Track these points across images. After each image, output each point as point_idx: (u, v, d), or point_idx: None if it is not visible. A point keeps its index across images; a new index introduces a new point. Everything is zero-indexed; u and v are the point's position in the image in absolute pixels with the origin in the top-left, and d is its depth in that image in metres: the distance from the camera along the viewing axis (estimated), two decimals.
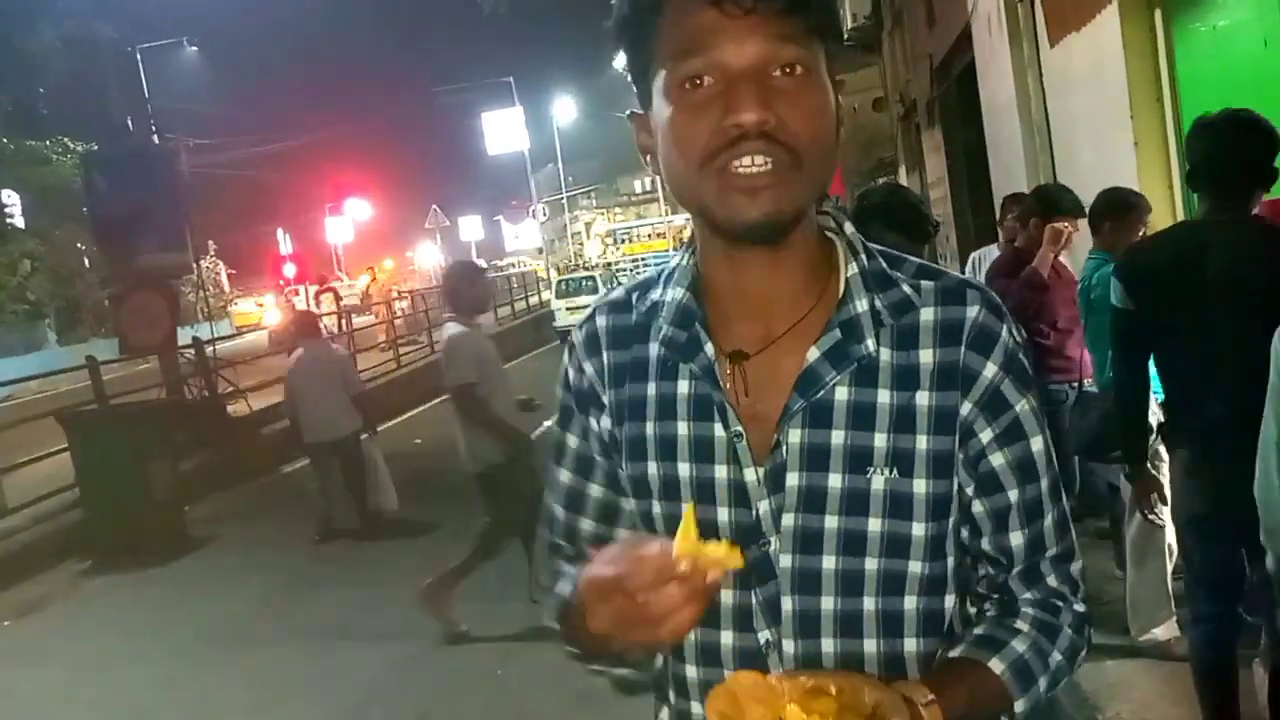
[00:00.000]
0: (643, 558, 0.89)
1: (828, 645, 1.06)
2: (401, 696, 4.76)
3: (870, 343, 1.04)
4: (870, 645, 1.06)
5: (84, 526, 8.05)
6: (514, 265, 42.78)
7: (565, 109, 53.46)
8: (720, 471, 1.07)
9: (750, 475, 1.06)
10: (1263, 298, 2.57)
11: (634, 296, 1.17)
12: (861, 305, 1.05)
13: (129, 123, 18.68)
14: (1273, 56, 4.05)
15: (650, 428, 1.11)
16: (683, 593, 0.88)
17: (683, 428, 1.09)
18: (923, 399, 1.04)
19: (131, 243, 11.43)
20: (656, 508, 1.12)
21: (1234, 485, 2.67)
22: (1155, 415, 3.14)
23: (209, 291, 31.02)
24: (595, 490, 1.19)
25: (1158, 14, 4.77)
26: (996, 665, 1.04)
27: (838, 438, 1.04)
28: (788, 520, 1.05)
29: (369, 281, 26.09)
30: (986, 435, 1.05)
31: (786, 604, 1.06)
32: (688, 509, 0.92)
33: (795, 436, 1.04)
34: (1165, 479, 3.19)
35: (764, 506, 1.06)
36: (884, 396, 1.04)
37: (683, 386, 1.10)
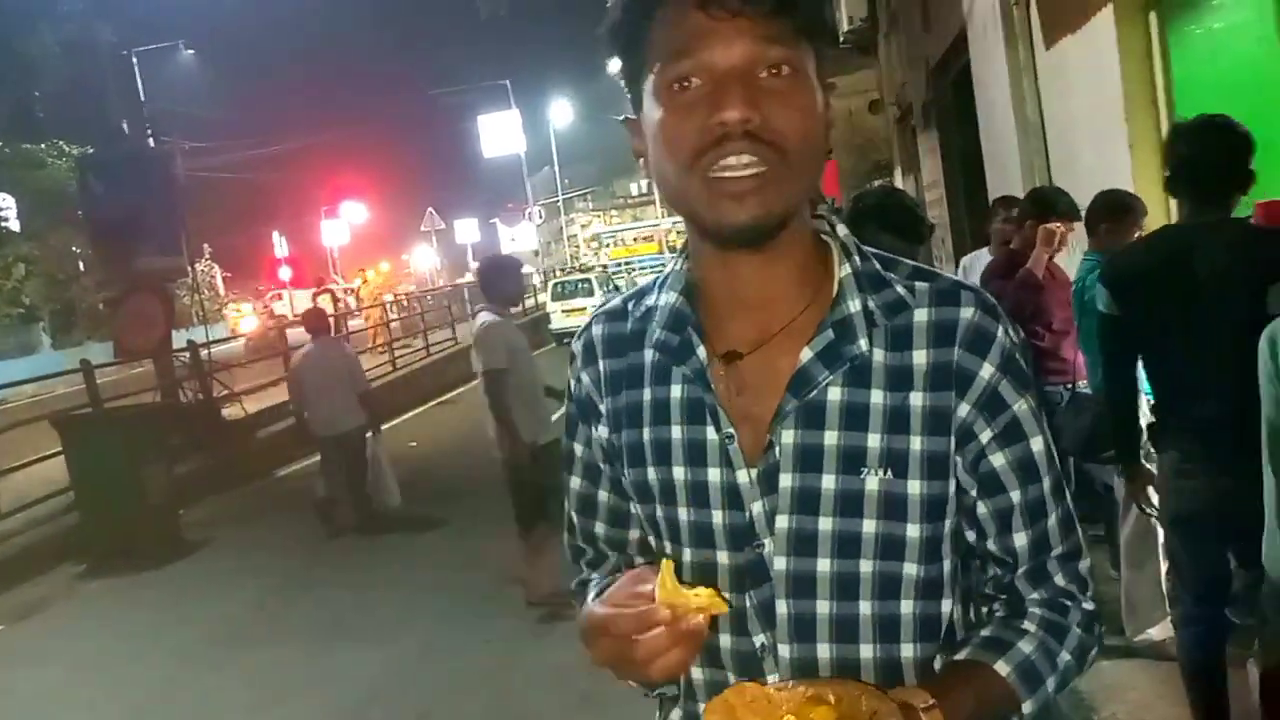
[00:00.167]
0: (629, 602, 0.94)
1: (824, 650, 1.05)
2: (401, 696, 4.76)
3: (863, 343, 1.04)
4: (867, 650, 1.05)
5: (80, 530, 8.04)
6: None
7: (562, 112, 53.56)
8: (713, 474, 1.08)
9: (743, 477, 1.06)
10: (1250, 299, 2.59)
11: (630, 304, 1.18)
12: (854, 305, 1.05)
13: (124, 126, 18.67)
14: (1267, 59, 4.06)
15: (646, 433, 1.12)
16: (667, 638, 0.92)
17: (676, 432, 1.10)
18: (916, 400, 1.04)
19: (127, 246, 11.41)
20: (659, 512, 1.12)
21: (1221, 486, 2.69)
22: (1146, 416, 3.15)
23: (204, 295, 30.99)
24: (604, 496, 1.22)
25: (1153, 16, 4.78)
26: (1002, 667, 1.04)
27: (831, 438, 1.04)
28: (781, 522, 1.05)
29: (360, 285, 26.11)
30: (986, 436, 1.05)
31: (781, 607, 1.06)
32: (665, 563, 0.95)
33: (788, 437, 1.04)
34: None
35: (757, 508, 1.06)
36: (877, 397, 1.04)
37: (676, 390, 1.10)
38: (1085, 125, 5.48)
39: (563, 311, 23.44)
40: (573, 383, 1.21)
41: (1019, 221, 4.65)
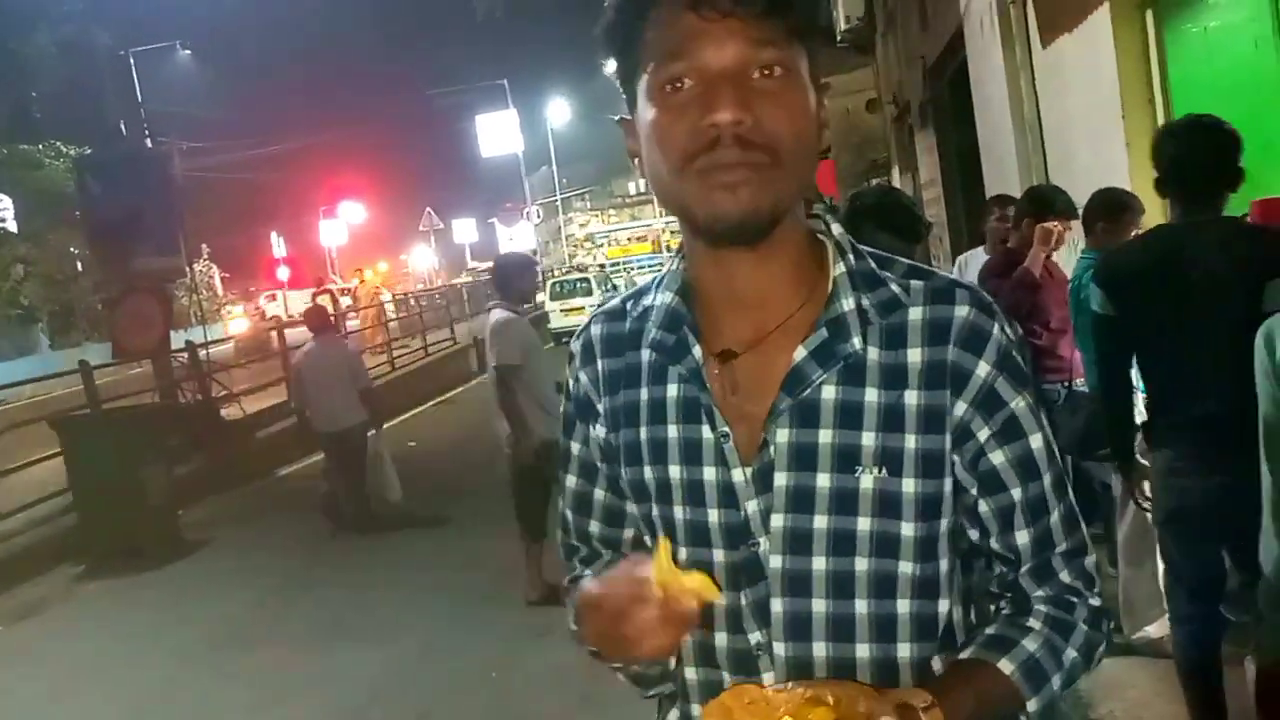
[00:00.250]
0: (622, 582, 0.96)
1: (819, 649, 1.05)
2: (401, 696, 4.76)
3: (857, 341, 1.04)
4: (863, 650, 1.05)
5: (79, 531, 8.03)
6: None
7: (559, 111, 53.56)
8: (709, 473, 1.08)
9: (738, 475, 1.07)
10: (1246, 296, 2.60)
11: (628, 304, 1.19)
12: (848, 304, 1.05)
13: (122, 126, 18.68)
14: (1263, 58, 4.07)
15: (643, 432, 1.12)
16: (657, 618, 0.93)
17: (673, 431, 1.10)
18: (911, 398, 1.04)
19: (125, 247, 11.40)
20: (655, 510, 1.13)
21: (1216, 485, 2.70)
22: (1141, 414, 3.16)
23: (203, 295, 30.98)
24: (600, 495, 1.22)
25: (1149, 15, 4.79)
26: (1006, 665, 1.03)
27: (825, 436, 1.04)
28: (776, 521, 1.05)
29: (356, 285, 26.07)
30: (984, 434, 1.05)
31: (776, 605, 1.06)
32: (662, 541, 0.97)
33: (783, 436, 1.05)
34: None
35: (752, 506, 1.06)
36: (872, 395, 1.04)
37: (672, 390, 1.11)
38: (1082, 124, 5.48)
39: (561, 311, 23.44)
40: (571, 382, 1.22)
41: (1016, 220, 4.66)
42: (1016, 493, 1.06)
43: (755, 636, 1.08)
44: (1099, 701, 3.52)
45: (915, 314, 1.05)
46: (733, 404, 1.07)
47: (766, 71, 0.98)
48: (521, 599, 5.42)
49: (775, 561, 1.06)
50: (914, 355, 1.04)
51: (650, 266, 30.76)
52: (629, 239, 39.62)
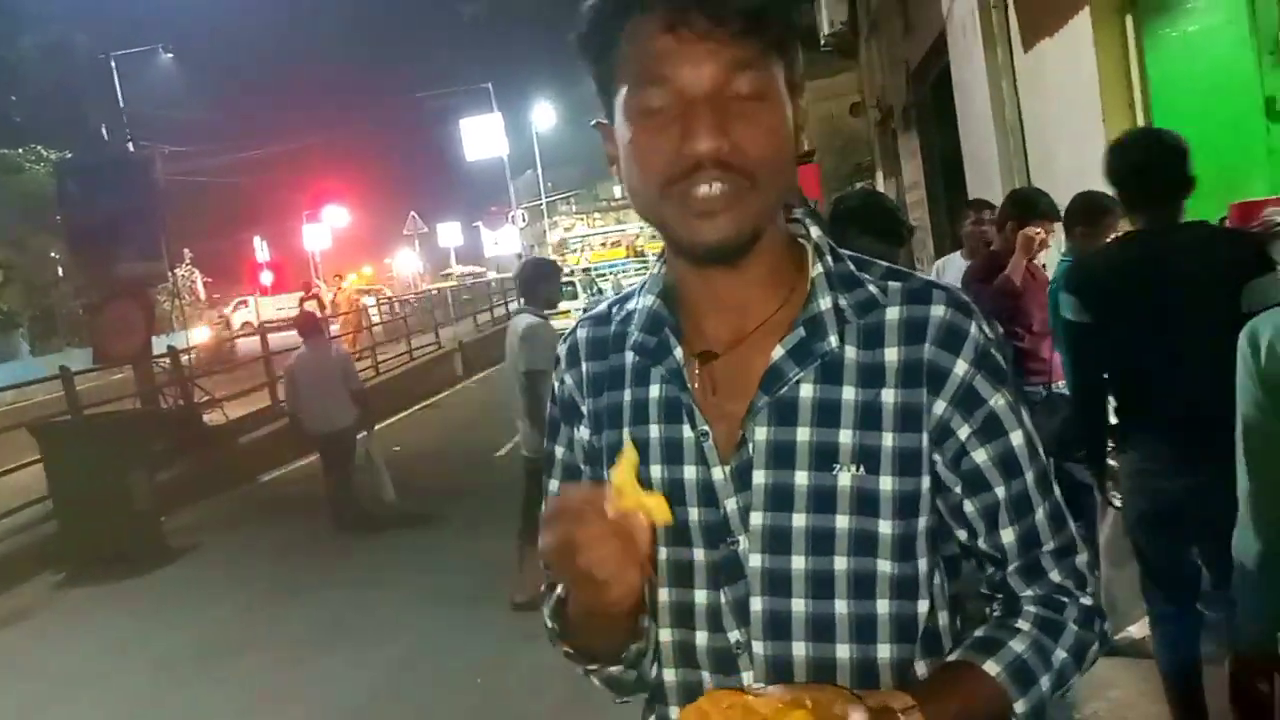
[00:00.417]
0: (582, 489, 0.96)
1: (799, 649, 1.05)
2: (394, 700, 4.75)
3: (834, 339, 1.05)
4: (843, 650, 1.05)
5: (60, 537, 7.98)
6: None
7: (544, 115, 53.49)
8: (689, 472, 1.09)
9: (718, 474, 1.07)
10: (1224, 299, 2.63)
11: (613, 309, 1.20)
12: (825, 303, 1.06)
13: (104, 130, 18.56)
14: (1241, 61, 4.11)
15: (626, 433, 1.13)
16: (609, 526, 0.90)
17: (655, 431, 1.11)
18: (888, 396, 1.04)
19: (106, 251, 11.34)
20: None
21: (1187, 487, 2.72)
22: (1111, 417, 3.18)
23: (185, 300, 30.81)
24: None
25: (1129, 19, 4.83)
26: (991, 667, 1.03)
27: (803, 434, 1.04)
28: (756, 519, 1.06)
29: (335, 293, 25.92)
30: (964, 432, 1.05)
31: (755, 604, 1.06)
32: (628, 449, 0.95)
33: (761, 433, 1.05)
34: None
35: (731, 505, 1.07)
36: (849, 393, 1.04)
37: (654, 390, 1.12)
38: (1063, 126, 5.52)
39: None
40: (556, 385, 1.22)
41: (1000, 222, 4.67)
42: (1000, 490, 1.06)
43: (735, 635, 1.08)
44: (1083, 701, 3.54)
45: (892, 314, 1.06)
46: (713, 403, 1.08)
47: (743, 92, 0.98)
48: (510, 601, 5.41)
49: (755, 560, 1.06)
50: (891, 354, 1.05)
51: (635, 270, 30.75)
52: (603, 244, 39.45)
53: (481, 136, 49.09)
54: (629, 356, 1.14)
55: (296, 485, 10.46)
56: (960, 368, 1.04)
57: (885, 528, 1.04)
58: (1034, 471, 1.07)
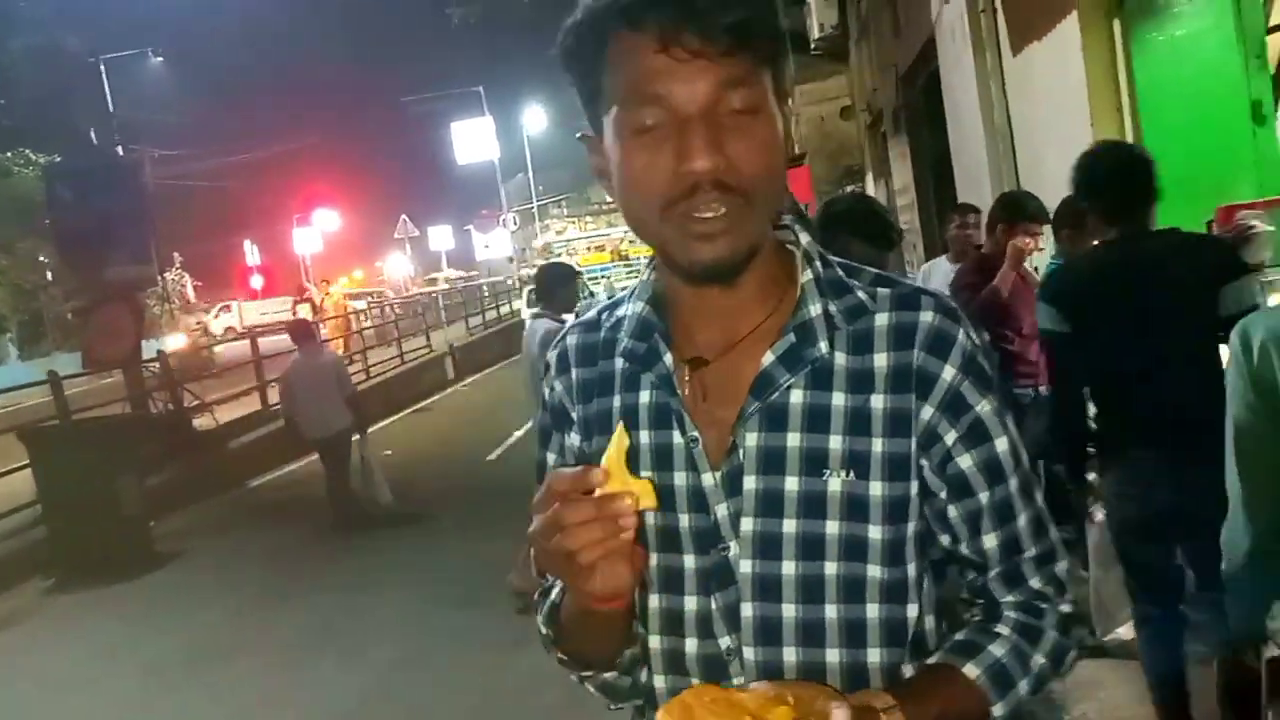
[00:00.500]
0: (573, 469, 0.94)
1: (789, 654, 1.06)
2: (388, 704, 4.74)
3: (823, 345, 1.05)
4: (833, 655, 1.06)
5: (49, 543, 7.94)
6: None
7: (535, 118, 53.39)
8: (680, 478, 1.09)
9: (708, 480, 1.07)
10: (1205, 303, 2.66)
11: (603, 315, 1.20)
12: (815, 310, 1.07)
13: (93, 134, 18.50)
14: (1227, 65, 4.14)
15: (619, 426, 1.13)
16: (594, 506, 0.90)
17: (645, 437, 1.11)
18: (877, 402, 1.05)
19: (96, 255, 11.30)
20: None
21: (1169, 491, 2.73)
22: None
23: (174, 304, 30.70)
24: None
25: (1116, 23, 4.86)
26: (971, 670, 1.04)
27: (793, 440, 1.05)
28: (746, 525, 1.06)
29: (322, 298, 25.85)
30: (951, 437, 1.06)
31: (746, 610, 1.07)
32: (620, 429, 0.95)
33: (752, 439, 1.06)
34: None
35: (722, 511, 1.07)
36: (839, 399, 1.05)
37: (644, 396, 1.12)
38: (1051, 130, 5.55)
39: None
40: (546, 393, 1.22)
41: (990, 225, 4.70)
42: (983, 496, 1.07)
43: (725, 641, 1.08)
44: (1073, 703, 3.55)
45: (881, 319, 1.07)
46: (703, 410, 1.08)
47: (736, 108, 0.98)
48: (506, 603, 5.38)
49: (745, 566, 1.06)
50: (880, 360, 1.06)
51: (627, 274, 30.71)
52: (588, 248, 39.37)
53: (472, 140, 48.98)
54: (619, 363, 1.14)
55: (286, 490, 10.44)
56: (948, 373, 1.05)
57: (875, 533, 1.05)
58: (1017, 478, 1.08)
